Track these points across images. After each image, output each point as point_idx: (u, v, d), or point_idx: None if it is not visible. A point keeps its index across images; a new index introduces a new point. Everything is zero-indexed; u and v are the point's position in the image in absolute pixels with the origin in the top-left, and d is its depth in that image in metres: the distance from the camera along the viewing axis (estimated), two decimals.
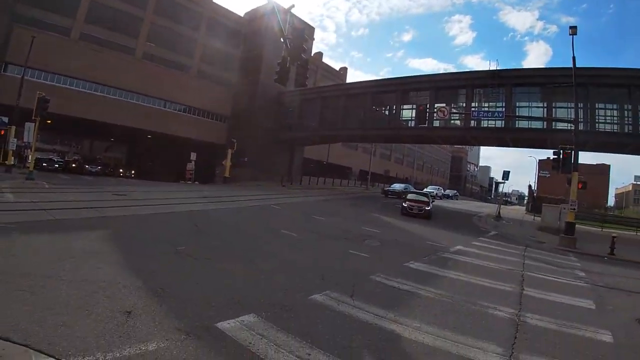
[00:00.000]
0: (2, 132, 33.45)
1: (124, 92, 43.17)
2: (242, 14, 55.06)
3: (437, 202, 44.45)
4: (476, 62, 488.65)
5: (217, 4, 51.83)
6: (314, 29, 58.68)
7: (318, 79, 61.91)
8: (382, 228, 18.24)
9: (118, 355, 4.25)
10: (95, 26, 41.31)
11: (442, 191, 59.98)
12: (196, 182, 42.12)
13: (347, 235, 14.97)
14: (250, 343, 4.82)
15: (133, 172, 53.67)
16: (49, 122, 30.87)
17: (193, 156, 44.19)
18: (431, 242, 15.95)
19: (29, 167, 26.90)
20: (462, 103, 36.76)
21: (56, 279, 6.42)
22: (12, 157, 30.07)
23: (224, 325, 5.28)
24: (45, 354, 4.11)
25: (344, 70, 74.75)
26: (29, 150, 31.94)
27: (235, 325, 5.33)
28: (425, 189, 54.83)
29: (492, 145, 42.31)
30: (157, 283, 6.73)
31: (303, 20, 50.73)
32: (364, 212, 24.98)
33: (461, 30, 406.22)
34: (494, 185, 59.67)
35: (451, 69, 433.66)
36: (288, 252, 10.90)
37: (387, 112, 43.77)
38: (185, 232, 12.13)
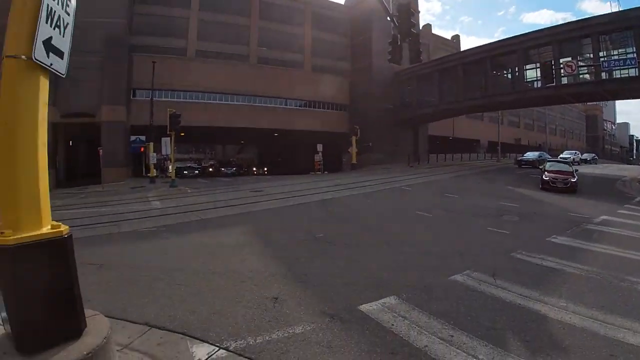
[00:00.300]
0: (142, 149, 37.87)
1: (245, 96, 45.82)
2: (343, 2, 55.10)
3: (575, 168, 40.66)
4: (595, 6, 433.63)
5: None
6: (417, 0, 56.66)
7: (431, 51, 59.58)
8: (519, 201, 17.10)
9: (267, 338, 4.54)
10: (207, 42, 44.62)
11: (579, 155, 54.24)
12: (325, 172, 43.38)
13: (483, 211, 14.28)
14: (393, 325, 4.84)
15: (265, 169, 56.75)
16: (182, 134, 34.22)
17: (319, 147, 45.54)
18: (573, 213, 14.58)
19: (170, 176, 29.94)
20: (589, 54, 32.79)
21: (207, 272, 7.09)
22: (154, 170, 33.82)
23: (366, 307, 5.37)
24: (200, 340, 4.53)
25: (456, 38, 71.12)
26: (168, 161, 35.62)
27: (377, 307, 5.39)
28: (560, 155, 50.31)
29: (629, 98, 37.22)
30: (300, 270, 7.10)
31: None
32: (498, 186, 23.60)
33: None
34: (635, 144, 51.97)
35: (569, 17, 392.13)
36: (424, 233, 10.73)
37: (509, 76, 40.72)
38: (321, 220, 12.56)
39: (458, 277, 6.70)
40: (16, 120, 3.35)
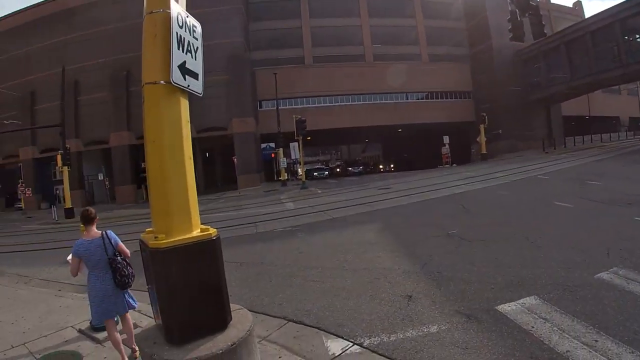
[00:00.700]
0: (273, 155, 40.31)
1: (365, 95, 46.31)
2: None
3: None
4: None
5: None
6: None
7: (553, 23, 54.20)
8: None
9: (401, 336, 4.52)
10: (322, 47, 46.18)
11: None
12: (454, 164, 42.14)
13: (631, 199, 12.38)
14: (533, 327, 4.49)
15: (392, 166, 56.61)
16: (309, 138, 35.66)
17: (446, 139, 44.40)
18: None
19: (300, 179, 31.37)
20: None
21: (340, 269, 7.30)
22: (285, 173, 35.78)
23: (505, 307, 5.06)
24: (334, 335, 4.68)
25: (578, 4, 63.46)
26: (298, 164, 37.41)
27: (516, 307, 5.04)
28: None
29: None
30: (434, 267, 6.95)
31: None
32: None
33: None
34: None
35: None
36: (564, 226, 9.77)
37: None
38: (453, 215, 12.13)
39: (604, 275, 5.93)
40: (163, 138, 3.78)
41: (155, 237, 3.68)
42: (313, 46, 45.99)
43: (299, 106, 43.14)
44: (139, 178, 35.67)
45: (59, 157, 27.19)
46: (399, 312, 5.19)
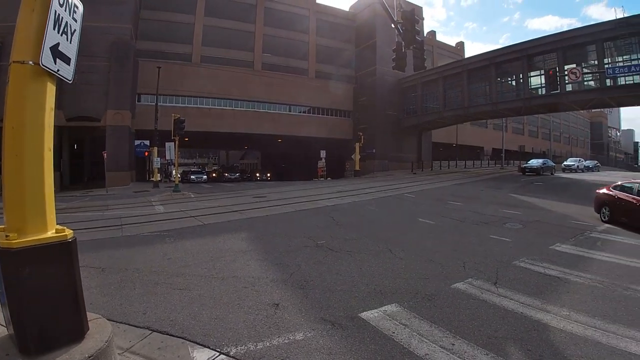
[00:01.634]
0: (147, 153, 38.15)
1: (249, 102, 46.24)
2: (347, 9, 55.45)
3: (578, 176, 40.53)
4: (601, 12, 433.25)
5: (321, 4, 53.00)
6: (421, 8, 57.08)
7: (435, 58, 59.98)
8: (522, 209, 17.07)
9: (268, 344, 4.55)
10: (212, 48, 45.03)
11: (583, 163, 54.38)
12: (328, 178, 43.51)
13: (486, 219, 14.26)
14: (394, 332, 4.85)
15: (269, 175, 56.94)
16: (187, 139, 34.29)
17: (323, 154, 45.68)
18: (576, 220, 14.54)
19: (174, 181, 30.10)
20: (594, 61, 32.95)
21: (208, 277, 7.14)
22: (158, 174, 34.02)
23: (368, 315, 5.39)
24: (201, 345, 4.56)
25: (460, 45, 71.37)
26: (172, 166, 35.85)
27: (379, 315, 5.40)
28: (564, 163, 50.36)
29: (634, 105, 37.15)
30: (301, 276, 7.13)
31: (410, 2, 49.69)
32: (502, 193, 23.56)
33: None
34: (639, 151, 51.66)
35: (575, 23, 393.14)
36: (426, 240, 10.71)
37: (513, 83, 40.95)
38: (324, 226, 12.55)
39: (460, 285, 6.70)
40: (23, 125, 3.40)
41: (7, 236, 3.28)
42: (203, 45, 44.57)
43: (180, 105, 41.48)
44: None
45: None
46: (266, 320, 5.22)
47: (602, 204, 14.77)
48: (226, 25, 45.82)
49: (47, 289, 3.38)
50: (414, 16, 16.17)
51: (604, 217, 14.31)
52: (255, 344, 4.56)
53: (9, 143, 3.40)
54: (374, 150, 46.60)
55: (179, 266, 7.90)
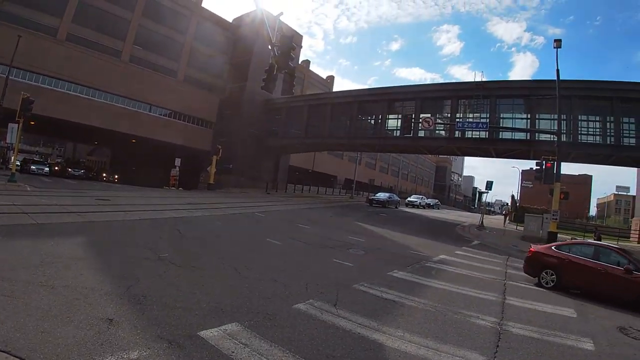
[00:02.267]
0: None
1: (110, 95, 42.69)
2: (231, 20, 55.09)
3: (420, 211, 44.86)
4: (463, 73, 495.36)
5: (205, 9, 51.97)
6: (302, 36, 59.03)
7: (305, 86, 62.33)
8: (366, 237, 18.31)
9: None
10: (82, 27, 40.87)
11: (425, 200, 60.79)
12: (180, 188, 41.75)
13: (332, 243, 14.98)
14: (233, 352, 4.80)
15: (117, 176, 53.18)
16: (33, 123, 30.57)
17: (177, 162, 43.81)
18: (415, 251, 16.04)
19: (11, 169, 26.45)
20: (447, 113, 37.29)
21: (38, 284, 6.35)
22: None
23: (207, 334, 5.25)
24: None
25: (331, 78, 75.44)
26: (12, 151, 31.59)
27: (219, 333, 5.30)
28: (408, 198, 55.41)
29: (476, 156, 42.96)
30: (140, 290, 6.68)
31: (291, 28, 51.14)
32: (349, 221, 25.05)
33: (449, 40, 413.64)
34: (477, 195, 59.95)
35: (438, 78, 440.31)
36: (272, 260, 10.89)
37: (373, 122, 44.09)
38: (169, 239, 12.06)
39: (301, 306, 6.91)
40: None
41: None
42: (73, 22, 40.08)
43: (35, 83, 36.49)
44: None
45: None
46: (99, 336, 4.79)
47: (542, 266, 12.45)
48: (101, 6, 41.93)
49: None
50: (292, 42, 16.71)
51: (547, 283, 12.09)
52: None
53: None
54: (230, 166, 46.22)
55: (4, 269, 6.91)
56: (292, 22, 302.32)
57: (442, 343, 5.99)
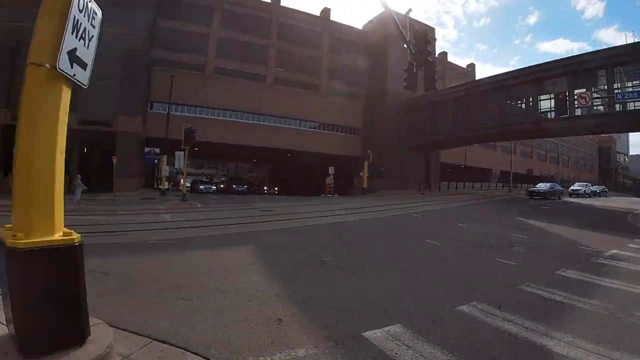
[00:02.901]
0: (156, 161, 38.49)
1: (260, 115, 46.61)
2: (360, 27, 55.97)
3: (586, 201, 40.28)
4: (611, 36, 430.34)
5: (335, 22, 53.93)
6: (433, 29, 57.26)
7: (446, 79, 60.17)
8: (529, 233, 16.92)
9: (269, 359, 4.49)
10: (225, 60, 45.95)
11: (590, 188, 54.12)
12: (335, 195, 43.42)
13: (492, 241, 14.13)
14: (396, 354, 4.75)
15: (276, 189, 56.94)
16: (196, 149, 34.41)
17: (331, 170, 45.68)
18: (583, 245, 14.37)
19: (182, 190, 30.22)
20: (603, 86, 32.90)
21: (213, 288, 7.08)
22: (166, 182, 34.21)
23: (371, 334, 5.27)
24: (201, 356, 4.49)
25: (471, 66, 71.78)
26: (181, 175, 36.08)
27: (382, 335, 5.29)
28: (571, 187, 50.14)
29: None
30: (306, 292, 7.02)
31: (422, 23, 50.16)
32: (509, 216, 23.42)
33: (588, 1, 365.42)
34: None
35: (586, 47, 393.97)
36: (431, 261, 10.62)
37: (523, 106, 40.86)
38: (330, 243, 12.49)
39: (464, 308, 6.58)
40: (36, 126, 3.44)
41: (14, 236, 3.29)
42: (217, 57, 45.40)
43: (192, 115, 41.91)
44: (7, 164, 31.75)
45: None
46: (268, 335, 5.14)
47: None
48: (241, 38, 46.61)
49: (51, 291, 3.38)
50: (426, 37, 16.28)
51: None
52: (255, 358, 4.49)
53: (20, 144, 3.44)
54: (382, 169, 46.50)
55: (183, 276, 7.87)
56: (421, 16, 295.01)
57: (615, 350, 5.21)
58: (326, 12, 54.14)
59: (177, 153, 32.48)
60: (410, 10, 18.70)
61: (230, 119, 45.18)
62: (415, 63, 16.19)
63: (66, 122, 3.73)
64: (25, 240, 3.28)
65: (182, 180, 34.87)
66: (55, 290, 3.41)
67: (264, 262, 9.44)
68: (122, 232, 13.11)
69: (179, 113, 40.29)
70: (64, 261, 3.50)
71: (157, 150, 38.76)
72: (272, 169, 73.19)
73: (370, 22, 54.87)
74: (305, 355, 4.63)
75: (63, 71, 3.48)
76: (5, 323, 3.73)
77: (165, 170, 34.81)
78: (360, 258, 10.46)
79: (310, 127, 50.55)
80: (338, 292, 7.17)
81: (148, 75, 39.38)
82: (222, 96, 43.75)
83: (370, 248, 12.26)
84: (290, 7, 51.26)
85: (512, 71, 41.31)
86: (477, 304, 6.78)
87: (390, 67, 47.90)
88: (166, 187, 34.69)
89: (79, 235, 3.67)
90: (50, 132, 3.51)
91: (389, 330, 5.44)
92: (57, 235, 3.55)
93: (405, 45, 16.61)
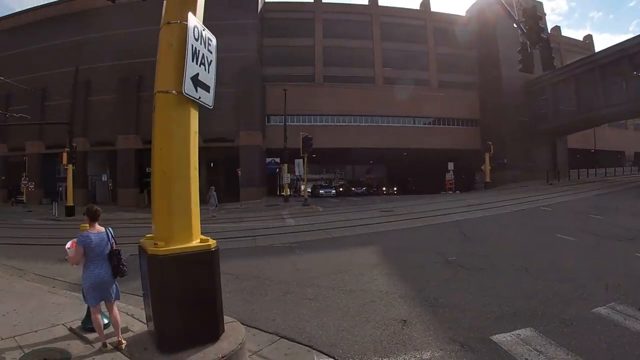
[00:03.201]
0: (277, 170, 40.77)
1: (373, 117, 46.69)
2: (463, 14, 53.49)
3: None
4: None
5: (436, 12, 52.20)
6: (541, 3, 51.55)
7: (563, 55, 53.98)
8: None
9: None
10: (333, 67, 46.90)
11: None
12: (457, 191, 42.03)
13: (632, 234, 12.42)
14: (527, 359, 4.44)
15: (395, 189, 56.56)
16: (314, 156, 35.58)
17: (450, 166, 44.32)
18: None
19: (303, 195, 31.51)
20: None
21: (337, 289, 7.26)
22: (288, 189, 35.92)
23: (500, 338, 5.00)
24: (326, 355, 4.62)
25: (588, 37, 63.67)
26: (302, 181, 37.64)
27: (512, 338, 4.98)
28: None
29: None
30: (431, 293, 6.88)
31: None
32: None
33: None
34: None
35: None
36: (565, 259, 9.69)
37: None
38: (453, 241, 12.10)
39: (601, 310, 5.88)
40: (170, 147, 3.85)
41: (155, 244, 3.71)
42: (324, 65, 46.65)
43: (307, 123, 43.41)
44: (143, 182, 35.88)
45: (64, 155, 27.42)
46: (393, 336, 5.14)
47: None
48: (344, 44, 47.37)
49: (189, 293, 3.75)
50: (536, 13, 14.88)
51: None
52: (380, 358, 4.52)
53: (158, 163, 3.87)
54: (504, 161, 43.67)
55: (308, 277, 8.18)
56: None
57: None
58: (426, 3, 52.57)
59: (296, 161, 34.09)
60: None
61: (343, 124, 45.93)
62: (528, 42, 14.93)
63: (197, 141, 4.12)
64: (166, 248, 3.68)
65: (302, 186, 36.33)
66: (193, 292, 3.78)
67: (388, 263, 9.43)
68: (250, 237, 13.99)
69: (294, 123, 41.88)
70: (202, 265, 3.87)
71: (277, 159, 40.99)
72: (389, 169, 72.81)
73: (473, 7, 51.92)
74: (431, 357, 4.54)
75: (189, 95, 3.85)
76: (145, 321, 4.19)
77: (286, 177, 36.45)
78: (487, 256, 9.91)
79: (425, 124, 49.04)
80: (464, 293, 6.87)
81: (262, 92, 41.89)
82: (333, 102, 44.69)
83: (496, 246, 11.60)
84: (389, 5, 50.40)
85: (633, 37, 35.61)
86: (615, 305, 6.02)
87: (502, 50, 44.58)
88: (288, 193, 36.28)
89: (215, 241, 4.02)
90: (183, 150, 3.91)
91: (519, 334, 5.09)
92: (195, 242, 3.94)
93: (515, 25, 15.41)
